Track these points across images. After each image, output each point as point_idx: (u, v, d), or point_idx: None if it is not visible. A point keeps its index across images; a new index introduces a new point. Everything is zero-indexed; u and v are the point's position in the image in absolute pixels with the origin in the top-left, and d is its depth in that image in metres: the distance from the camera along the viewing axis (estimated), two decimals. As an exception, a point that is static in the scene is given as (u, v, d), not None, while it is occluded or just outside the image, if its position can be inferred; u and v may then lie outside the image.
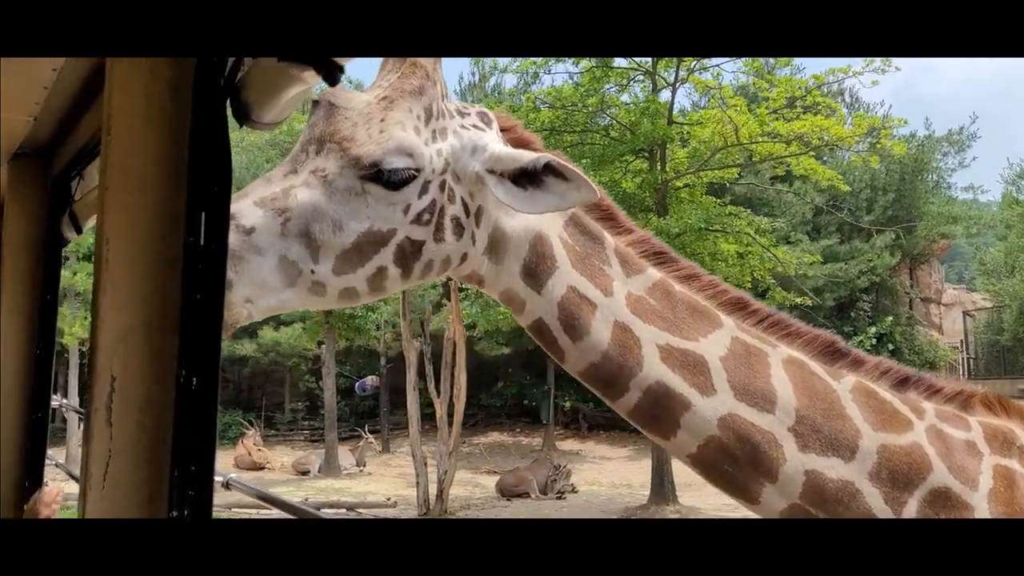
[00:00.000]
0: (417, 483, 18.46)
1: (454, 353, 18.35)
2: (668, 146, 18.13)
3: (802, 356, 2.30)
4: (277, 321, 32.85)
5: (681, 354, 2.21)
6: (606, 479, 24.41)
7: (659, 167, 17.99)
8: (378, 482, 23.36)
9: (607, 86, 18.30)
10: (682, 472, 20.33)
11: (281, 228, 1.99)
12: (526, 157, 2.12)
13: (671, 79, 18.05)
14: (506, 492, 20.69)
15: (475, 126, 2.21)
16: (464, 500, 20.31)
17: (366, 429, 26.96)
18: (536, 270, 2.20)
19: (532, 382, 33.68)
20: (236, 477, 4.00)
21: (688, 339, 2.22)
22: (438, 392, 18.73)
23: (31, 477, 3.07)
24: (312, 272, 2.04)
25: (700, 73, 17.79)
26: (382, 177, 2.01)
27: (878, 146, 17.24)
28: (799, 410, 2.18)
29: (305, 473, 25.01)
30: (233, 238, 1.93)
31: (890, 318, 32.09)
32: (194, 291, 1.58)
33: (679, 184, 18.44)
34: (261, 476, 25.46)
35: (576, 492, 21.23)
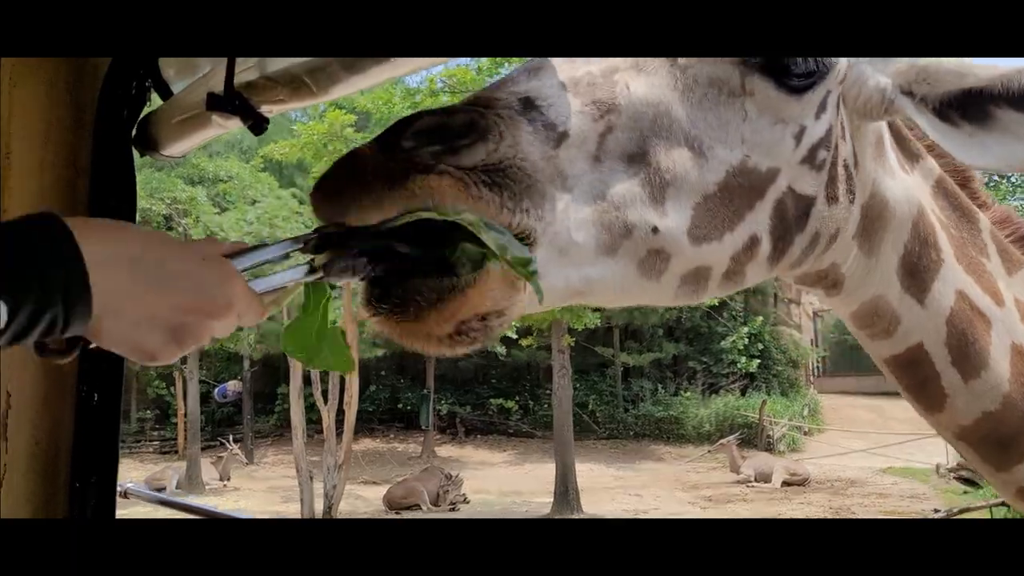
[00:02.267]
0: (302, 499, 16.66)
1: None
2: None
3: None
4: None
5: None
6: (492, 486, 23.27)
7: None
8: (248, 498, 21.15)
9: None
10: (583, 478, 19.56)
11: (598, 142, 1.07)
12: (987, 71, 1.23)
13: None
14: (395, 505, 19.16)
15: None
16: (349, 515, 18.63)
17: (230, 439, 24.50)
18: (918, 265, 1.46)
19: (407, 385, 32.16)
20: (136, 486, 3.55)
21: None
22: (325, 399, 17.00)
23: None
24: (654, 231, 1.10)
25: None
26: (782, 64, 1.19)
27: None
28: None
29: (161, 490, 22.34)
30: (530, 142, 1.01)
31: (760, 318, 32.87)
32: None
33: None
34: (108, 495, 22.58)
35: (468, 503, 19.98)
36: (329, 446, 16.95)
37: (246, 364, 28.47)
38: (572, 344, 18.72)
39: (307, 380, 17.27)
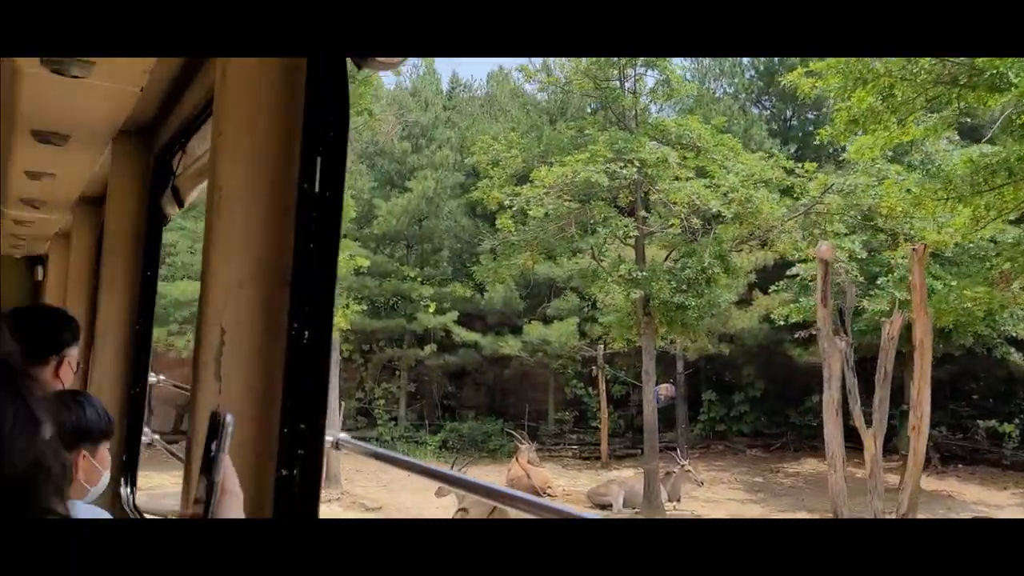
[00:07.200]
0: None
1: (909, 357, 11.95)
2: None
3: None
4: (544, 315, 27.71)
5: None
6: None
7: None
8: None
9: None
10: None
11: None
12: None
13: None
14: None
15: None
16: None
17: (679, 453, 20.85)
18: None
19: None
20: (347, 437, 2.82)
21: None
22: (868, 420, 12.32)
23: (128, 452, 3.05)
24: None
25: None
26: None
27: None
28: None
29: (606, 507, 19.31)
30: None
31: None
32: (307, 240, 1.49)
33: None
34: (545, 507, 19.93)
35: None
36: (874, 484, 12.25)
37: (679, 366, 24.83)
38: None
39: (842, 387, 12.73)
